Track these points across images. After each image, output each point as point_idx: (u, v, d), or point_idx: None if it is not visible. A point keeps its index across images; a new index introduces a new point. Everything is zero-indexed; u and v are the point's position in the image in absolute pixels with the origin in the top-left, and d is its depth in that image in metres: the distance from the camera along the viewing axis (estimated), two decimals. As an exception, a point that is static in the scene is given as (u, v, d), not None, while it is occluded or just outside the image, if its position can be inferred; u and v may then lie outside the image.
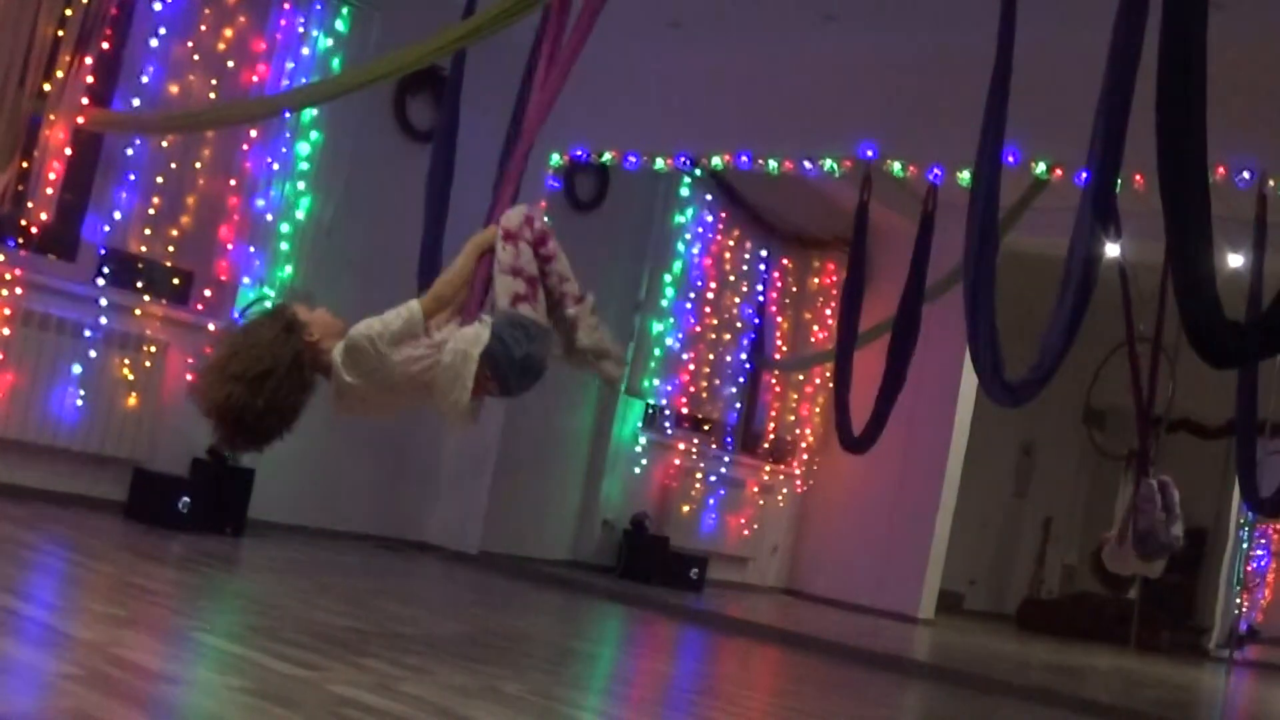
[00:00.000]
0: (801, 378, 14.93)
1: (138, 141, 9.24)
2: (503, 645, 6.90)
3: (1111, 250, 9.32)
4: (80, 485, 9.21)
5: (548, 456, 12.46)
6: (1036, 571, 18.82)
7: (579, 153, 11.85)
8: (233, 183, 9.70)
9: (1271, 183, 9.05)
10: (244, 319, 5.41)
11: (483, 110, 9.17)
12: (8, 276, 8.67)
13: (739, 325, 14.15)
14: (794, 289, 14.79)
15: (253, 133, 9.78)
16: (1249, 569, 17.29)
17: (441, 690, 4.92)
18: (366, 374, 5.32)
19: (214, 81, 9.54)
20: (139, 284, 9.48)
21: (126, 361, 9.30)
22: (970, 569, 17.53)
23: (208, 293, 9.83)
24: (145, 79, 9.23)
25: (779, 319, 14.65)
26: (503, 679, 5.55)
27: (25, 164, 8.51)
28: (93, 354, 9.12)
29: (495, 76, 9.16)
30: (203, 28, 9.48)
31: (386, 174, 10.69)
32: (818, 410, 15.02)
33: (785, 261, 14.63)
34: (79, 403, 9.06)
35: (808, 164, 10.92)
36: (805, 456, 15.06)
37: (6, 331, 8.67)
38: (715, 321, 13.84)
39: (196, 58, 9.46)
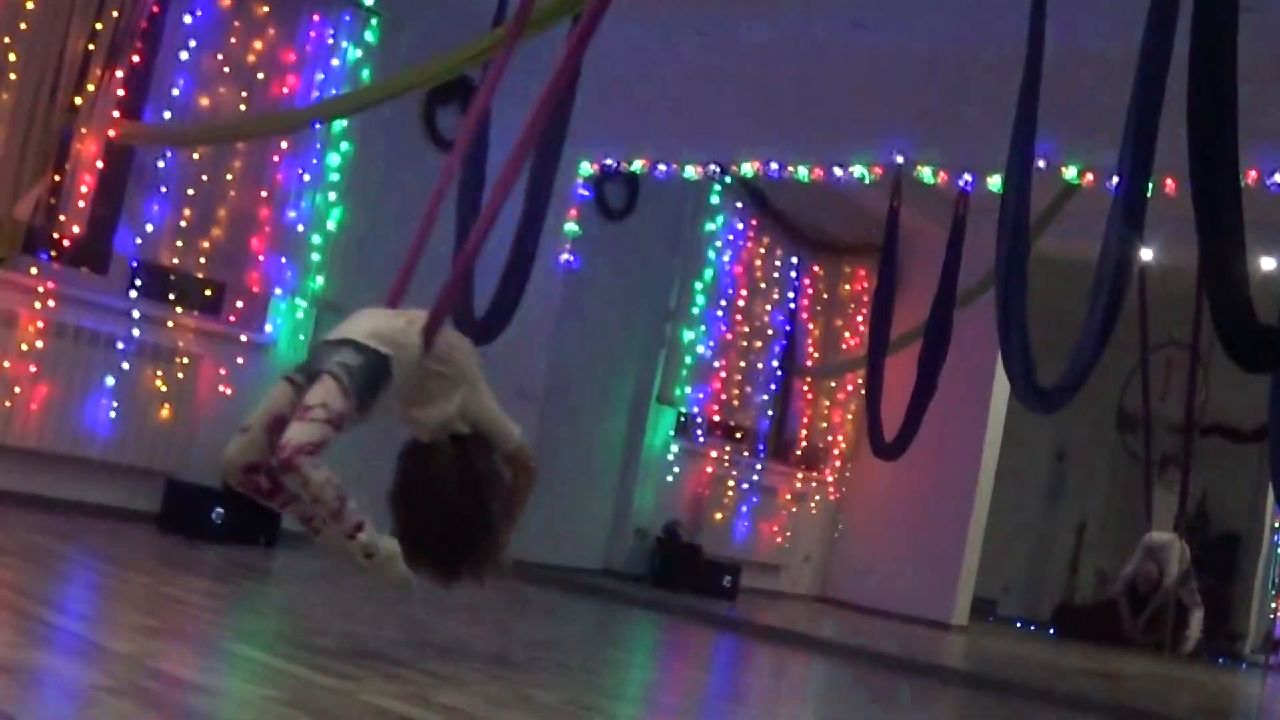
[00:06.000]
0: (833, 385, 14.90)
1: (169, 154, 9.26)
2: (536, 654, 6.90)
3: (1144, 254, 9.30)
4: (114, 497, 9.24)
5: (580, 465, 12.44)
6: (1070, 577, 18.76)
7: (609, 161, 11.86)
8: (264, 194, 9.71)
9: (1304, 186, 9.01)
10: None
11: (513, 120, 9.17)
12: (40, 290, 8.71)
13: (770, 332, 14.12)
14: (825, 295, 14.75)
15: (283, 144, 9.78)
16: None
17: (475, 700, 4.92)
18: None
19: (244, 93, 9.55)
20: (171, 296, 9.50)
21: (159, 373, 9.32)
22: (1004, 575, 17.46)
23: (240, 304, 9.85)
24: (176, 92, 9.25)
25: (810, 326, 14.62)
26: (536, 688, 5.55)
27: (57, 178, 8.55)
28: (125, 366, 9.15)
29: (525, 85, 9.16)
30: (232, 40, 9.50)
31: (416, 183, 10.65)
32: (850, 417, 14.98)
33: (816, 268, 14.60)
34: (112, 415, 9.10)
35: (838, 171, 10.92)
36: (837, 464, 15.02)
37: (40, 344, 8.71)
38: (746, 329, 13.82)
39: (227, 70, 9.48)
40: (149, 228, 9.18)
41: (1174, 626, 11.24)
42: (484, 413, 5.76)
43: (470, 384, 5.72)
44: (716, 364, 13.50)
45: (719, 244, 13.41)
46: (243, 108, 9.54)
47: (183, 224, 9.31)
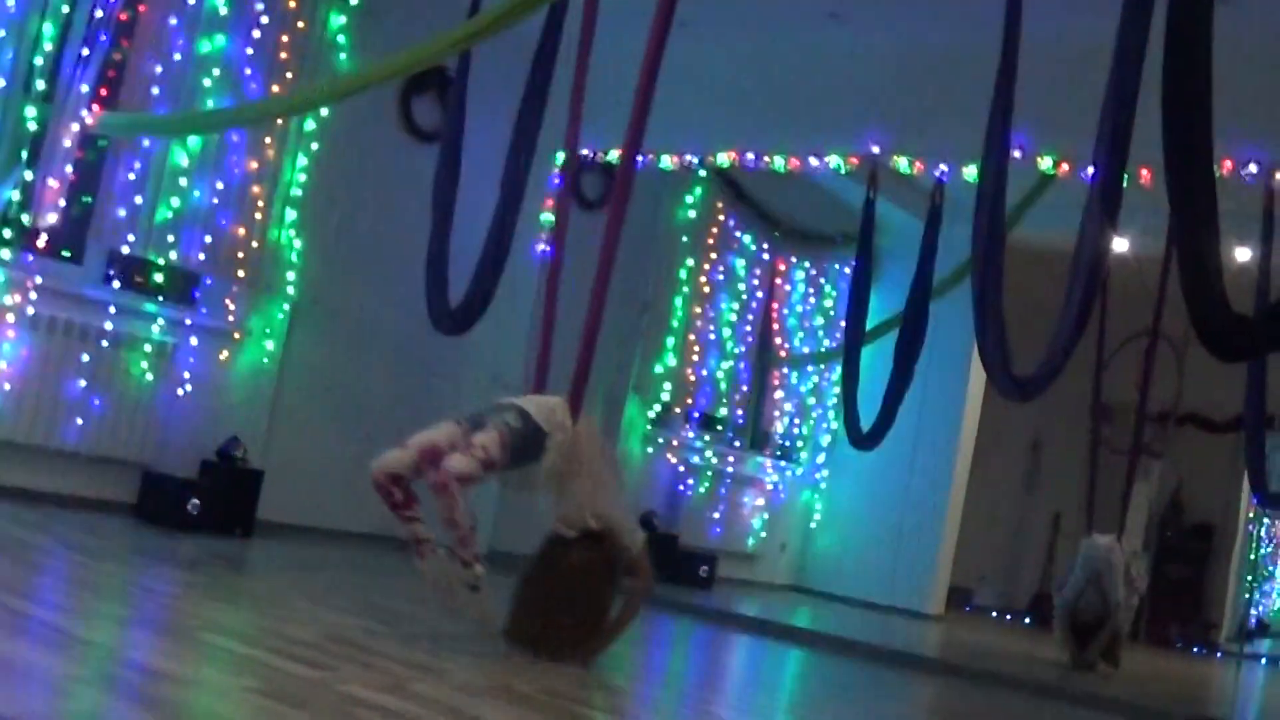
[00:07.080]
0: (810, 374, 14.92)
1: (145, 144, 9.23)
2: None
3: (1120, 245, 9.32)
4: (90, 488, 9.20)
5: (556, 455, 12.40)
6: (1046, 567, 18.80)
7: (584, 151, 11.83)
8: (240, 185, 9.69)
9: (1278, 175, 9.03)
10: None
11: (489, 110, 9.18)
12: (16, 280, 8.67)
13: (747, 323, 14.14)
14: (801, 286, 14.77)
15: (260, 134, 9.77)
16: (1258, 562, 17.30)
17: (452, 690, 4.92)
18: None
19: (220, 84, 9.53)
20: (147, 286, 9.45)
21: (135, 364, 9.29)
22: (980, 565, 17.51)
23: (215, 296, 9.81)
24: (152, 82, 9.22)
25: (786, 316, 14.63)
26: (514, 678, 5.56)
27: (32, 168, 8.52)
28: (101, 357, 9.11)
29: (501, 76, 9.16)
30: (209, 31, 9.47)
31: (392, 174, 10.68)
32: (826, 407, 15.03)
33: (792, 258, 14.61)
34: (88, 406, 9.06)
35: (814, 161, 10.91)
36: (814, 454, 15.05)
37: (14, 335, 8.68)
38: (722, 319, 13.82)
39: (203, 60, 9.45)
40: (124, 217, 9.15)
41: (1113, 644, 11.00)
42: (611, 510, 6.37)
43: (594, 478, 6.33)
44: (693, 354, 13.50)
45: (695, 234, 13.40)
46: (219, 98, 9.51)
47: (158, 214, 9.28)
